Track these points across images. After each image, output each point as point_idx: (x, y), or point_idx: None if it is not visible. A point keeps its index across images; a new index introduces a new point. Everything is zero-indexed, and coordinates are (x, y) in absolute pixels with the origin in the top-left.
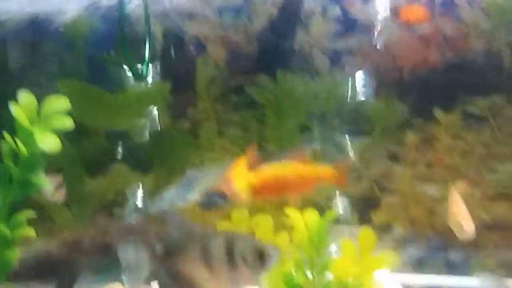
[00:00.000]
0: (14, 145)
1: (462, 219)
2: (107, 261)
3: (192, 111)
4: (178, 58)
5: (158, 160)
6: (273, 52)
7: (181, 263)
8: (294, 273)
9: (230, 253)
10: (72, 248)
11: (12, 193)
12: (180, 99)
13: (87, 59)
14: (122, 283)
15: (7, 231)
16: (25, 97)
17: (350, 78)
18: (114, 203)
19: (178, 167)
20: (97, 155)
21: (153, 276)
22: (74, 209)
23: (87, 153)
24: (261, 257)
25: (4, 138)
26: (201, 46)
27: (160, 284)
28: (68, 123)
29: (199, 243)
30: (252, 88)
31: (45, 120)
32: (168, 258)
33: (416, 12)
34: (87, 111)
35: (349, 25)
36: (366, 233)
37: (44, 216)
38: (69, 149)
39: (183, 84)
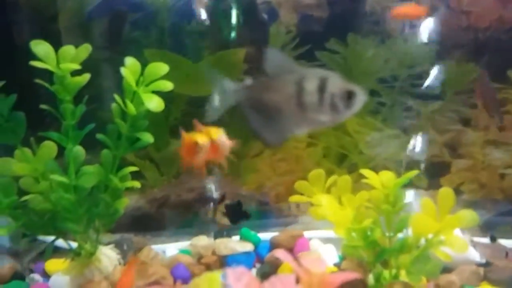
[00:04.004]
0: (123, 105)
1: None
2: (191, 216)
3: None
4: (251, 25)
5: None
6: (344, 15)
7: (275, 94)
8: (370, 231)
9: (321, 91)
10: (160, 204)
11: (121, 149)
12: (253, 66)
13: (169, 29)
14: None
15: (118, 183)
16: (131, 62)
17: (422, 40)
18: None
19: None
20: (180, 118)
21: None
22: (162, 168)
23: (172, 116)
24: (349, 98)
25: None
26: (273, 12)
27: (246, 111)
28: (168, 86)
29: (295, 78)
30: (323, 52)
31: (149, 83)
32: (259, 88)
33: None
34: (172, 78)
35: None
36: (446, 192)
37: (137, 174)
38: (156, 112)
39: (256, 50)
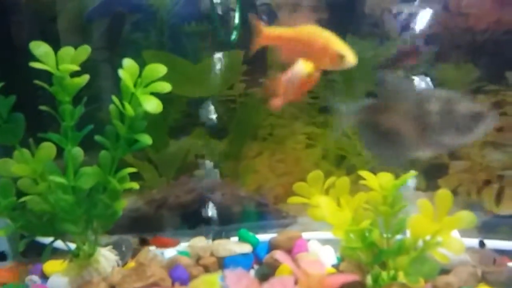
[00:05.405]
0: (121, 107)
1: None
2: (190, 217)
3: (263, 79)
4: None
5: (232, 125)
6: (343, 16)
7: (395, 116)
8: (368, 233)
9: (448, 112)
10: (159, 205)
11: (119, 150)
12: (251, 67)
13: (168, 30)
14: (205, 237)
15: (116, 184)
16: (129, 64)
17: (420, 42)
18: (195, 165)
19: (250, 132)
20: (179, 120)
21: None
22: (161, 169)
23: (170, 118)
24: (476, 119)
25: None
26: (273, 14)
27: (363, 134)
28: (166, 87)
29: (415, 100)
30: None
31: (147, 84)
32: (375, 110)
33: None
34: (170, 80)
35: None
36: (444, 193)
37: (135, 176)
38: (155, 114)
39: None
